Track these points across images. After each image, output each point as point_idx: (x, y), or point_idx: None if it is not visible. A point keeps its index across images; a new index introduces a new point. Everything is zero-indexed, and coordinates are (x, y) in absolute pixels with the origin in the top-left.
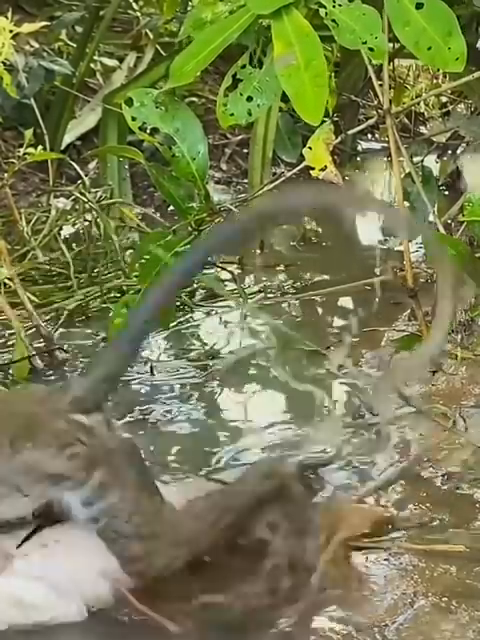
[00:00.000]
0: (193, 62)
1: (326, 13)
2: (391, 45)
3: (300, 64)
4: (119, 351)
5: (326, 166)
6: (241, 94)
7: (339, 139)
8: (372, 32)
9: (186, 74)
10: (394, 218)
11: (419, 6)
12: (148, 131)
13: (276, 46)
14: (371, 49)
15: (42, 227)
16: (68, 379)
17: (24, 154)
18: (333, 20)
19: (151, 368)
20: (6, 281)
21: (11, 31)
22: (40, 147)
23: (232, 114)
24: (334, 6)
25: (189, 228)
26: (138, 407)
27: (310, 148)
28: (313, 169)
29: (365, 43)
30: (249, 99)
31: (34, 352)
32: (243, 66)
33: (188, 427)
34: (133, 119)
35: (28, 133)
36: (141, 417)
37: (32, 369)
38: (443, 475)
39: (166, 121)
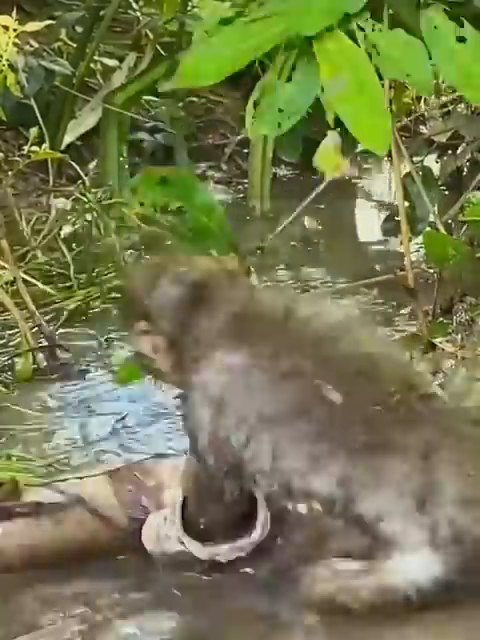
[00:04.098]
0: (214, 63)
1: (365, 36)
2: None
3: (352, 89)
4: None
5: (338, 165)
6: (270, 106)
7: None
8: (418, 65)
9: (205, 75)
10: None
11: (461, 40)
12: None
13: (322, 69)
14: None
15: (42, 227)
16: None
17: (28, 152)
18: (373, 46)
19: None
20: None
21: (15, 30)
22: (45, 145)
23: (262, 126)
24: (373, 30)
25: None
26: None
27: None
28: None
29: (409, 76)
30: (279, 111)
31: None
32: (270, 79)
33: None
34: (141, 204)
35: (33, 131)
36: None
37: (36, 369)
38: None
39: (170, 194)
